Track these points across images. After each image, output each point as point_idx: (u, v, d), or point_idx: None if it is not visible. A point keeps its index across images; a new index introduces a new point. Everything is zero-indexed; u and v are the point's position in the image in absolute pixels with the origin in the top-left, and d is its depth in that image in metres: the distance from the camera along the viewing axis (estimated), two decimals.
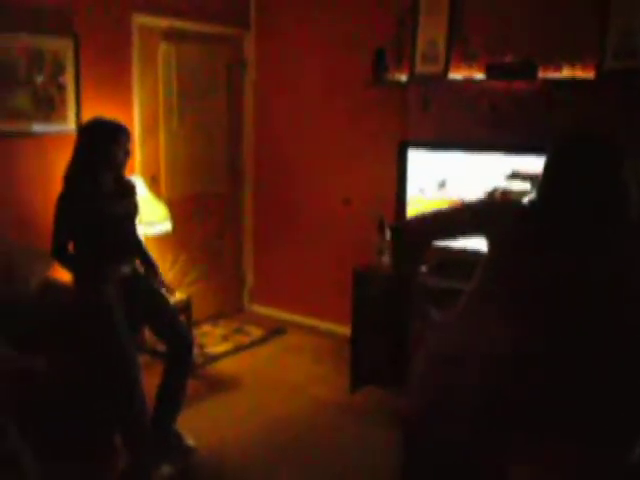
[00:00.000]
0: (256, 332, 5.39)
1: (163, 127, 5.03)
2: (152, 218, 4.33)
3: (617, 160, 2.01)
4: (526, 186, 3.85)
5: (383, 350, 4.32)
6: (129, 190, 3.56)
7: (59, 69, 4.15)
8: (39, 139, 4.11)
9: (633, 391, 1.94)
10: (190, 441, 3.60)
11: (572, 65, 3.94)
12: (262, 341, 5.24)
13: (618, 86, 3.84)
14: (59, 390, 3.31)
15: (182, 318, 4.22)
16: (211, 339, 5.20)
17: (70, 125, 4.21)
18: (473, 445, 2.03)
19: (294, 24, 5.29)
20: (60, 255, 3.39)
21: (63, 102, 4.20)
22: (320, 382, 4.52)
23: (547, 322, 1.97)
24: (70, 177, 3.34)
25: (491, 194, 3.99)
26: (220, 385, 4.46)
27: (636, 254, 1.95)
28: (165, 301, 3.66)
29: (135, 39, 4.64)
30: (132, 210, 3.57)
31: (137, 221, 3.67)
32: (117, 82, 4.54)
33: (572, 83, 3.95)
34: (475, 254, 3.68)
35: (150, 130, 4.91)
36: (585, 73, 3.91)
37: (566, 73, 3.97)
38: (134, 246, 3.67)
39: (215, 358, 4.86)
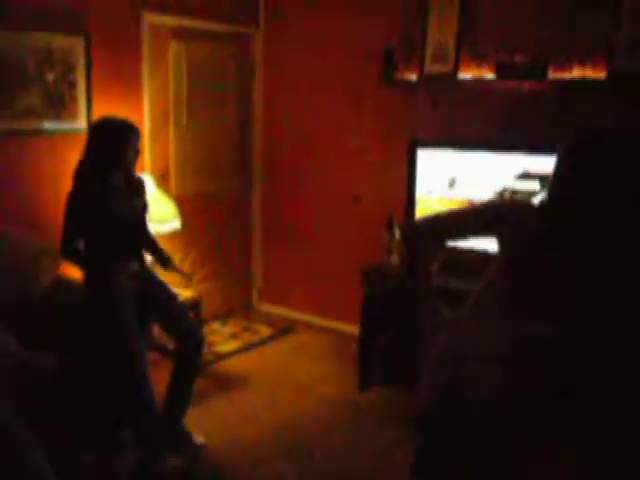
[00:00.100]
0: (265, 331, 5.40)
1: (173, 125, 5.04)
2: (161, 216, 4.33)
3: (629, 159, 2.00)
4: (536, 186, 3.84)
5: (392, 349, 4.32)
6: (139, 188, 3.58)
7: (70, 67, 4.16)
8: (50, 137, 4.12)
9: (634, 392, 1.94)
10: (199, 438, 3.61)
11: (582, 65, 3.93)
12: (271, 339, 5.25)
13: (629, 86, 3.83)
14: (69, 387, 3.32)
15: (191, 316, 4.22)
16: (220, 337, 5.22)
17: (81, 123, 4.23)
18: (481, 443, 2.04)
19: (303, 23, 5.29)
20: (70, 253, 3.42)
21: (74, 100, 4.22)
22: (328, 381, 4.52)
23: (556, 321, 1.97)
24: (80, 176, 3.36)
25: (500, 194, 3.99)
26: (229, 383, 4.47)
27: None
28: (175, 298, 3.67)
29: (145, 37, 4.65)
30: (142, 208, 3.59)
31: (147, 219, 3.68)
32: (127, 80, 4.55)
33: (583, 83, 3.94)
34: (483, 254, 3.69)
35: (160, 128, 4.92)
36: (595, 73, 3.90)
37: (576, 73, 3.96)
38: (147, 243, 3.69)
39: (224, 356, 4.87)
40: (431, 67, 4.48)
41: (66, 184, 3.38)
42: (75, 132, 4.14)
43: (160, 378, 3.52)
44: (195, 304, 4.48)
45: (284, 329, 5.45)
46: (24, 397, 2.87)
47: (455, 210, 2.52)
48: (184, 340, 3.54)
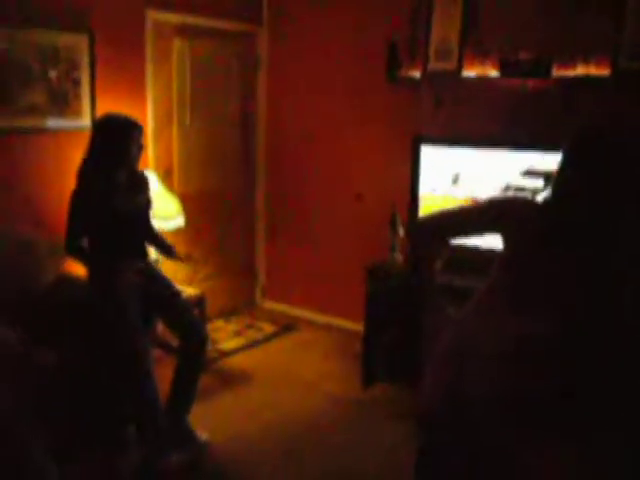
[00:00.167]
0: (268, 328, 5.41)
1: (176, 122, 5.04)
2: (165, 213, 4.34)
3: (632, 155, 2.00)
4: (540, 183, 3.84)
5: (396, 346, 4.32)
6: (143, 184, 3.58)
7: (74, 65, 4.16)
8: (54, 135, 4.13)
9: (634, 391, 1.94)
10: (203, 435, 3.62)
11: (586, 63, 3.92)
12: (274, 337, 5.26)
13: (633, 84, 3.82)
14: (72, 384, 3.33)
15: (195, 313, 4.23)
16: (224, 334, 5.22)
17: (85, 120, 4.23)
18: (483, 441, 2.04)
19: (306, 21, 5.29)
20: (74, 251, 3.43)
21: (78, 98, 4.22)
22: (332, 378, 4.53)
23: (557, 318, 1.97)
24: (84, 173, 3.37)
25: (504, 191, 3.98)
26: (232, 380, 4.48)
27: None
28: (179, 295, 3.68)
29: (149, 35, 4.65)
30: (145, 205, 3.60)
31: (151, 214, 3.69)
32: (131, 78, 4.55)
33: (587, 81, 3.93)
34: (487, 252, 3.69)
35: (163, 125, 4.92)
36: (599, 71, 3.89)
37: (580, 71, 3.95)
38: (151, 238, 3.70)
39: (227, 353, 4.88)
40: (435, 64, 4.47)
41: (70, 182, 3.39)
42: (79, 130, 4.14)
43: (164, 375, 3.53)
44: (199, 301, 4.49)
45: (288, 326, 5.46)
46: (25, 393, 2.87)
47: (459, 208, 2.52)
48: (188, 337, 3.55)
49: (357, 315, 4.69)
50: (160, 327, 4.33)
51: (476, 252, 3.82)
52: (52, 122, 4.11)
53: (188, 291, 4.46)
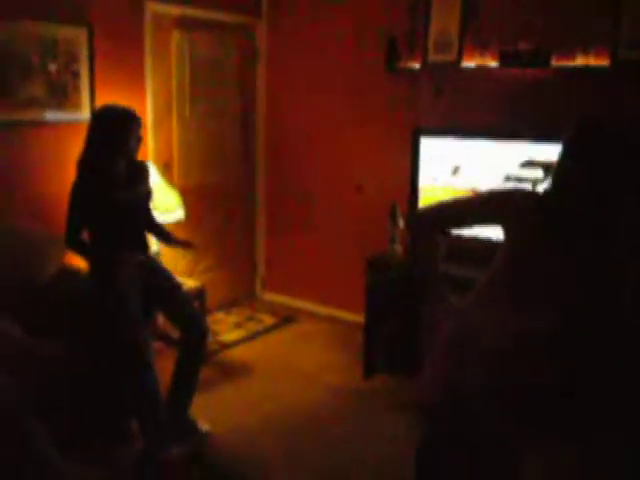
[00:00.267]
0: (268, 320, 5.41)
1: (176, 114, 5.03)
2: (165, 206, 4.34)
3: (632, 146, 2.00)
4: (539, 174, 3.84)
5: (396, 337, 4.33)
6: (143, 174, 3.58)
7: (73, 58, 4.16)
8: (53, 127, 4.12)
9: (634, 391, 1.94)
10: (204, 426, 3.63)
11: (586, 53, 3.91)
12: (274, 328, 5.27)
13: (632, 74, 3.81)
14: (74, 377, 3.34)
15: (196, 305, 4.23)
16: (224, 326, 5.23)
17: (84, 113, 4.22)
18: (483, 431, 2.04)
19: (305, 13, 5.28)
20: (74, 243, 3.42)
21: (77, 90, 4.21)
22: (333, 369, 4.54)
23: (557, 311, 1.97)
24: (83, 165, 3.37)
25: (504, 182, 3.98)
26: (233, 372, 4.49)
27: None
28: (179, 288, 3.68)
29: (148, 27, 4.64)
30: (145, 196, 3.59)
31: (151, 205, 3.69)
32: (130, 70, 4.54)
33: (586, 71, 3.92)
34: (486, 242, 3.69)
35: (163, 118, 4.92)
36: (599, 61, 3.88)
37: (580, 61, 3.94)
38: (152, 228, 3.71)
39: (228, 345, 4.89)
40: (434, 55, 4.47)
41: (70, 174, 3.39)
42: (78, 122, 4.13)
43: (165, 367, 3.54)
44: (199, 293, 4.49)
45: (288, 318, 5.47)
46: (28, 385, 2.88)
47: (459, 198, 2.51)
48: (189, 329, 3.56)
49: (357, 306, 4.70)
50: (161, 319, 4.34)
51: (475, 242, 3.82)
52: (51, 115, 4.10)
53: (188, 283, 4.46)
